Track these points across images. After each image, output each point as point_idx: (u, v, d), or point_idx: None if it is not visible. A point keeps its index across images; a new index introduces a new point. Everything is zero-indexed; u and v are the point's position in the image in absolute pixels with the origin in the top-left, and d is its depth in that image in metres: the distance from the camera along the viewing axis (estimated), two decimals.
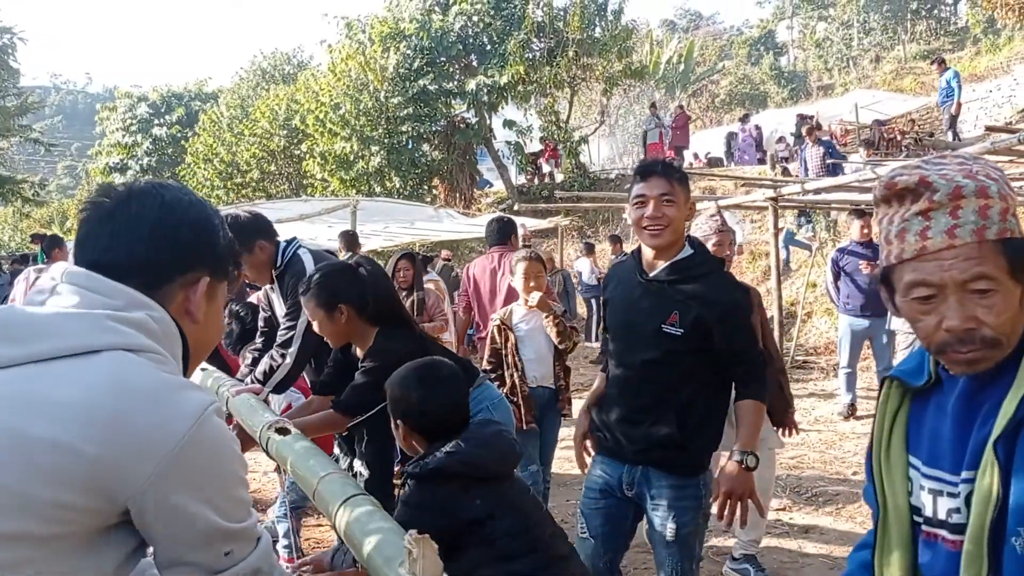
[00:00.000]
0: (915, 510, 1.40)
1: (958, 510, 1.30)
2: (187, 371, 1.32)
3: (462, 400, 2.37)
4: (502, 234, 5.74)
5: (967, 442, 1.29)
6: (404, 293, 6.24)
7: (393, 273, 6.31)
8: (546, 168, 22.60)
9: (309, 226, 11.04)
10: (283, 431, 2.44)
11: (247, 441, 2.73)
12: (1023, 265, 1.25)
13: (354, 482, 1.86)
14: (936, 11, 36.95)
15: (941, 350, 1.28)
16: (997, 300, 1.24)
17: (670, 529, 2.59)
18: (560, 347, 4.31)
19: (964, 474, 1.29)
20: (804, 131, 15.45)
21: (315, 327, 3.14)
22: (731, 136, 22.83)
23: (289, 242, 3.73)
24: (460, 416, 2.32)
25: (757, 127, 22.35)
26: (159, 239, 1.25)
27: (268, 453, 2.51)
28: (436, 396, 2.30)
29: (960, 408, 1.32)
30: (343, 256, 6.33)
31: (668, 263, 2.62)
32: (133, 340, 1.17)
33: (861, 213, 7.36)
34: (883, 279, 1.36)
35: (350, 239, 7.58)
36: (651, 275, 2.64)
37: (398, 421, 2.37)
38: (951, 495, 1.32)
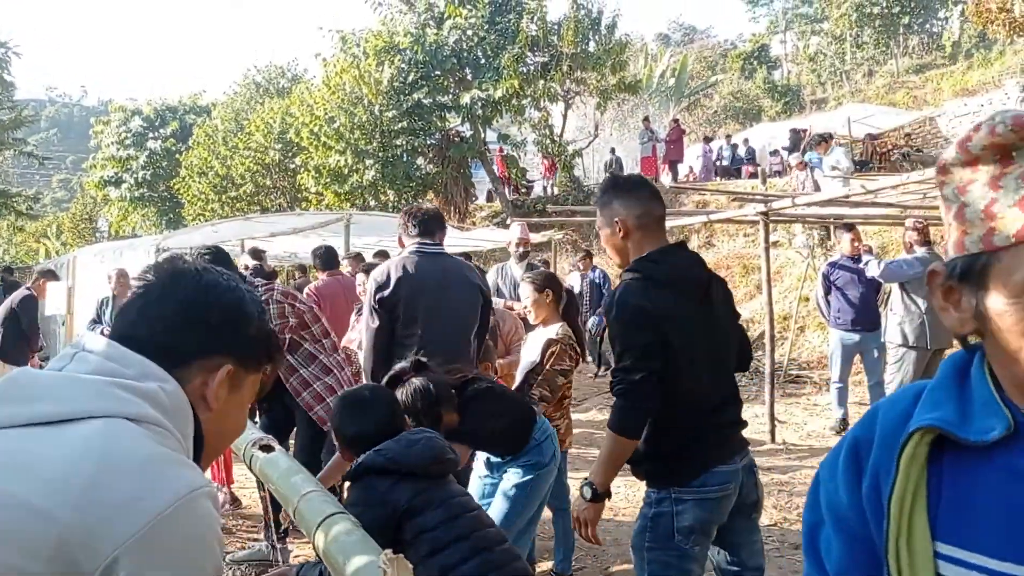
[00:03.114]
0: None
1: None
2: (199, 461, 1.26)
3: (389, 417, 2.57)
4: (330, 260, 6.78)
5: None
6: None
7: None
8: (540, 184, 22.73)
9: (303, 240, 11.05)
10: (267, 448, 2.44)
11: None
12: None
13: (334, 500, 1.86)
14: (928, 26, 37.19)
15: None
16: None
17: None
18: None
19: None
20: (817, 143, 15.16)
21: None
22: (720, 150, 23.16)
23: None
24: (388, 431, 2.49)
25: (735, 144, 22.74)
26: (183, 319, 1.23)
27: (252, 470, 2.52)
28: (357, 421, 2.54)
29: None
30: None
31: None
32: (135, 409, 1.12)
33: (850, 227, 7.39)
34: (965, 273, 0.94)
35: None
36: None
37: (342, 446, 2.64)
38: None
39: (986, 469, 0.94)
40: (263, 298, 4.35)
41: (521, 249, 6.24)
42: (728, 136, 24.30)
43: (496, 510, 3.26)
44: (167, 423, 1.16)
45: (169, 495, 1.05)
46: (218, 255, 4.40)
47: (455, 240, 13.10)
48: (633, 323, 2.48)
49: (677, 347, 2.48)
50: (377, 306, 3.94)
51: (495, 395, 3.30)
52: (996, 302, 0.90)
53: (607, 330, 2.60)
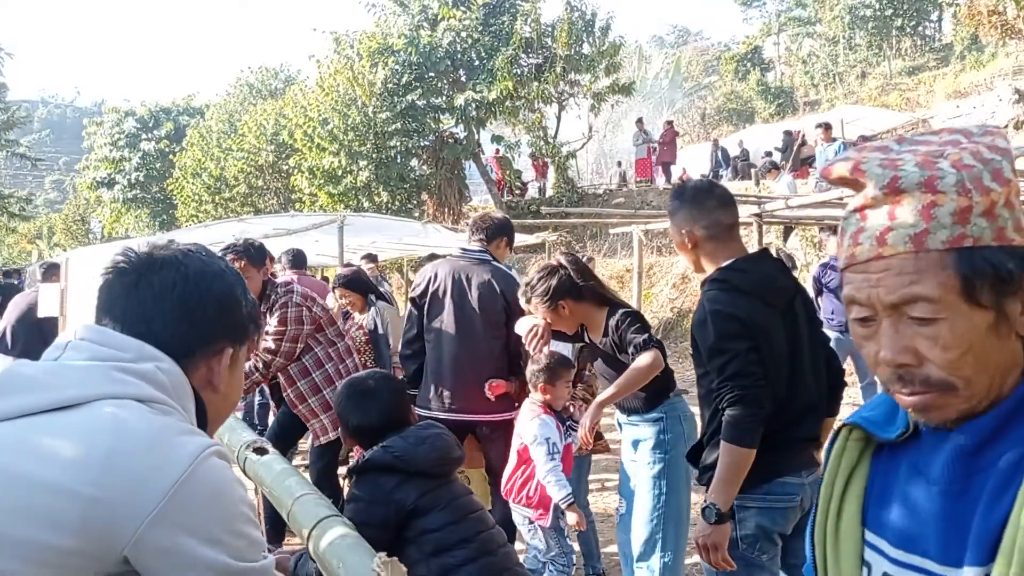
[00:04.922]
0: None
1: None
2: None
3: (393, 408, 2.51)
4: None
5: (966, 522, 0.93)
6: None
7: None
8: (534, 187, 22.74)
9: (296, 241, 11.04)
10: (261, 451, 2.44)
11: None
12: (987, 286, 0.90)
13: (328, 503, 1.86)
14: (921, 28, 37.31)
15: (886, 388, 1.00)
16: (943, 330, 0.91)
17: None
18: None
19: (967, 571, 0.92)
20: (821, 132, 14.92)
21: None
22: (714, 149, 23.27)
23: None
24: (392, 422, 2.46)
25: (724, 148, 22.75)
26: (182, 315, 1.26)
27: (245, 473, 2.52)
28: (361, 411, 2.49)
29: (953, 474, 0.97)
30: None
31: None
32: (138, 390, 1.17)
33: (836, 229, 7.39)
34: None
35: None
36: None
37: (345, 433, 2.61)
38: None
39: (898, 464, 1.05)
40: (281, 301, 4.33)
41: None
42: (715, 140, 24.37)
43: (640, 497, 3.17)
44: (169, 400, 1.20)
45: (184, 460, 1.11)
46: (253, 248, 4.39)
47: (448, 241, 13.09)
48: (731, 330, 2.42)
49: (763, 356, 2.42)
50: (410, 303, 4.18)
51: (642, 323, 3.18)
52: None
53: (695, 342, 2.52)
